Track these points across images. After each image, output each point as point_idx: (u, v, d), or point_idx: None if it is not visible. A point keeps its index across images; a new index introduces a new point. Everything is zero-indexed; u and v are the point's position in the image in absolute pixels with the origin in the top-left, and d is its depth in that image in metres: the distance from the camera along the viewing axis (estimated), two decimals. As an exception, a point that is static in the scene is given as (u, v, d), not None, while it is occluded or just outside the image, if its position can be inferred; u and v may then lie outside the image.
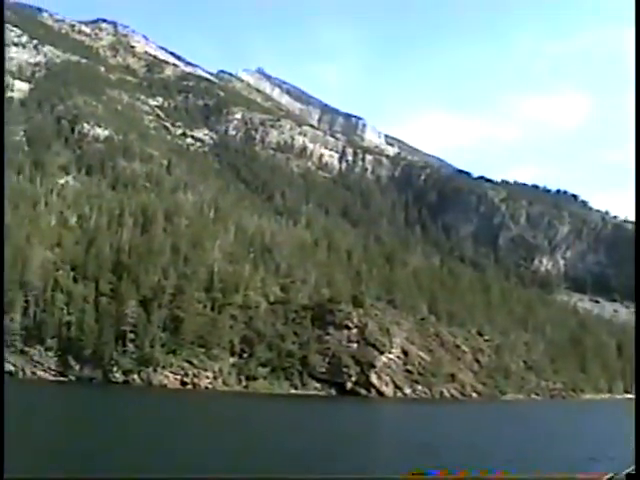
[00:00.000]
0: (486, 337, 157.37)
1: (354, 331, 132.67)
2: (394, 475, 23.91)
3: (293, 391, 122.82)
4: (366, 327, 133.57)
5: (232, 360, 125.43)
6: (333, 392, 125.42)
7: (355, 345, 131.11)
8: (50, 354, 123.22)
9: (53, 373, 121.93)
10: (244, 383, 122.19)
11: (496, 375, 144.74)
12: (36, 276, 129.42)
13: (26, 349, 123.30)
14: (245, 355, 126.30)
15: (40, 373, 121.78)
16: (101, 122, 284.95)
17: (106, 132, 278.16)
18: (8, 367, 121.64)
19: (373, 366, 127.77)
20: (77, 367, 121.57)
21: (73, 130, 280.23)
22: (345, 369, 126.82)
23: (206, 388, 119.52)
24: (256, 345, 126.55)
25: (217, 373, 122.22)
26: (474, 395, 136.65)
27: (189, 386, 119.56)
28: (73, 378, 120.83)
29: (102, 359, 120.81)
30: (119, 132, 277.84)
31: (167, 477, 20.17)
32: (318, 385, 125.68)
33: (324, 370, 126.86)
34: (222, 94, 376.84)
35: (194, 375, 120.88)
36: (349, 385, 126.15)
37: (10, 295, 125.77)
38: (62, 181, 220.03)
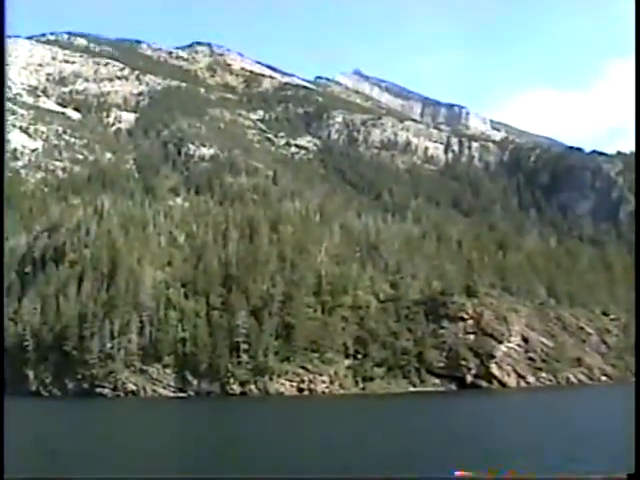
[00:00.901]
0: (612, 316, 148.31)
1: (470, 322, 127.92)
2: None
3: (411, 389, 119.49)
4: (482, 317, 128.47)
5: (347, 362, 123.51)
6: (453, 387, 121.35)
7: (472, 336, 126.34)
8: (168, 371, 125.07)
9: (172, 389, 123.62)
10: (361, 385, 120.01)
11: (626, 356, 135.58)
12: (149, 296, 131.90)
13: (145, 368, 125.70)
14: (360, 356, 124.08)
15: (160, 390, 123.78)
16: (205, 141, 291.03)
17: (211, 150, 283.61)
18: (130, 387, 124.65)
19: (493, 357, 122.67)
20: (195, 382, 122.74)
21: (179, 152, 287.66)
22: (463, 362, 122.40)
23: (323, 393, 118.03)
24: (370, 345, 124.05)
25: (333, 377, 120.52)
26: (603, 378, 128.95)
27: (306, 392, 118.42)
28: (192, 393, 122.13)
29: (218, 372, 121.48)
30: (224, 149, 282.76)
31: (169, 477, 18.76)
32: (437, 381, 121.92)
33: (442, 365, 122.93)
34: (321, 100, 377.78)
35: (310, 381, 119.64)
36: (469, 378, 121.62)
37: (126, 317, 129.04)
38: (172, 203, 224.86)
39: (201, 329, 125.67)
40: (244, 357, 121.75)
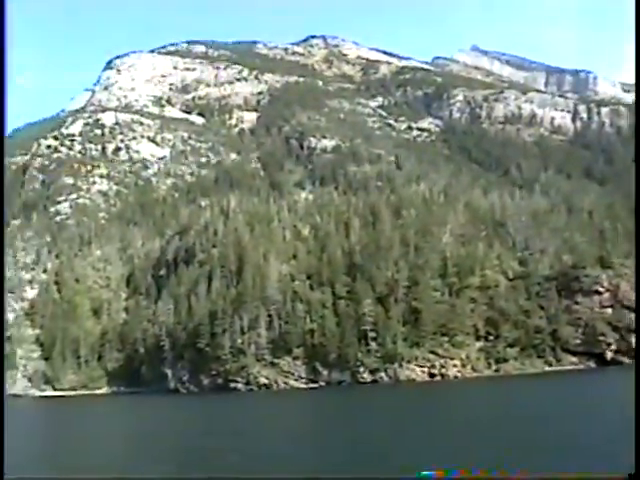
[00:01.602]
0: None
1: (606, 295, 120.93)
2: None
3: (547, 368, 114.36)
4: (618, 289, 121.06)
5: (478, 344, 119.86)
6: (592, 364, 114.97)
7: (609, 310, 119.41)
8: (298, 363, 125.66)
9: (304, 381, 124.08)
10: (494, 367, 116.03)
11: None
12: (276, 290, 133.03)
13: (275, 361, 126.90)
14: (491, 337, 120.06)
15: (292, 382, 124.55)
16: (326, 133, 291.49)
17: (333, 142, 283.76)
18: (262, 380, 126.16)
19: (633, 330, 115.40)
20: (325, 372, 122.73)
21: (302, 146, 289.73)
22: (602, 338, 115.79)
23: (455, 377, 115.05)
24: (501, 325, 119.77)
25: (464, 360, 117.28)
26: None
27: (437, 377, 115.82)
28: (323, 383, 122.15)
29: (348, 361, 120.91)
30: (345, 139, 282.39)
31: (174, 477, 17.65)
32: (574, 359, 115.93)
33: (578, 342, 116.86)
34: (440, 80, 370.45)
35: (441, 365, 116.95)
36: (609, 355, 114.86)
37: (254, 311, 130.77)
38: (298, 197, 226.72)
39: (328, 319, 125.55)
40: (373, 345, 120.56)
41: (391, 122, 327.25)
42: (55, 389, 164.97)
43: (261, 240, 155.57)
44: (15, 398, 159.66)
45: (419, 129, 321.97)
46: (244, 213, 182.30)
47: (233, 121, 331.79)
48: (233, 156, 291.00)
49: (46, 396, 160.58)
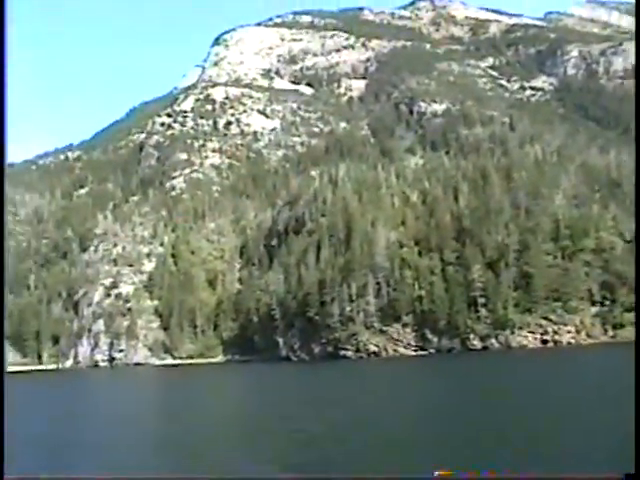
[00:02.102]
0: None
1: None
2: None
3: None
4: None
5: (593, 310, 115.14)
6: None
7: None
8: (407, 330, 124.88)
9: (413, 348, 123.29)
10: (610, 333, 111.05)
11: None
12: (384, 257, 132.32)
13: (384, 328, 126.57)
14: (607, 302, 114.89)
15: (401, 350, 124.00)
16: (436, 97, 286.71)
17: (443, 105, 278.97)
18: (371, 348, 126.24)
19: None
20: (434, 339, 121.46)
21: (412, 111, 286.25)
22: None
23: (569, 344, 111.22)
24: (618, 289, 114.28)
25: (579, 326, 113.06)
26: None
27: (550, 344, 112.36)
28: (432, 350, 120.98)
29: (457, 328, 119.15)
30: (455, 102, 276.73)
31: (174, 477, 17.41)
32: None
33: None
34: (553, 36, 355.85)
35: (554, 332, 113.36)
36: None
37: (362, 279, 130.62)
38: (409, 163, 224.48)
39: (437, 286, 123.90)
40: (483, 311, 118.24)
41: (503, 82, 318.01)
42: (174, 357, 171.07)
43: (369, 207, 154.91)
44: (137, 367, 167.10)
45: (532, 88, 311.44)
46: (352, 181, 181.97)
47: (342, 90, 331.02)
48: (343, 125, 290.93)
49: (165, 364, 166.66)
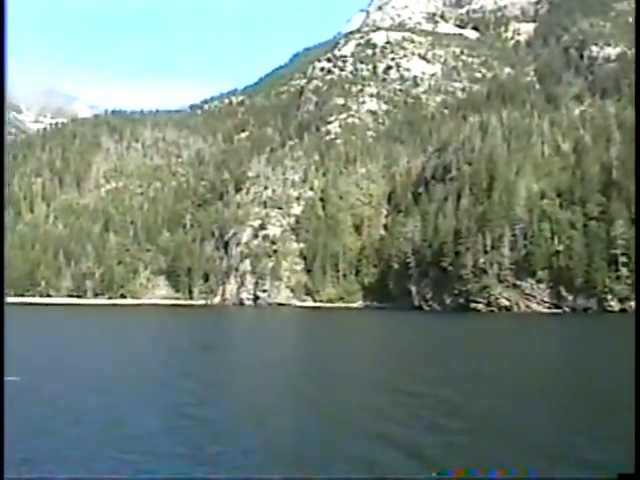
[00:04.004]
0: None
1: None
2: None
3: None
4: None
5: None
6: None
7: None
8: (542, 286, 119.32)
9: (547, 305, 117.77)
10: None
11: None
12: (523, 209, 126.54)
13: (518, 283, 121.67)
14: None
15: (534, 306, 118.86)
16: (610, 40, 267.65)
17: (617, 49, 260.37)
18: (503, 302, 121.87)
19: None
20: (570, 297, 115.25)
21: (582, 56, 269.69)
22: None
23: None
24: None
25: None
26: None
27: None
28: (567, 309, 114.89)
29: (595, 287, 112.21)
30: (631, 46, 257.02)
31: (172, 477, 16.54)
32: None
33: None
34: None
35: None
36: None
37: (498, 231, 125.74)
38: (575, 110, 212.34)
39: (577, 241, 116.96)
40: (623, 271, 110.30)
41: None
42: (314, 300, 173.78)
43: (516, 156, 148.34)
44: (278, 307, 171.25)
45: None
46: (504, 128, 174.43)
47: (509, 33, 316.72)
48: (507, 70, 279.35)
49: (306, 306, 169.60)
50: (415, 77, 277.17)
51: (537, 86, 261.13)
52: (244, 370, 42.37)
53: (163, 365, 44.10)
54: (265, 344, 63.99)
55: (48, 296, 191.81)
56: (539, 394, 31.08)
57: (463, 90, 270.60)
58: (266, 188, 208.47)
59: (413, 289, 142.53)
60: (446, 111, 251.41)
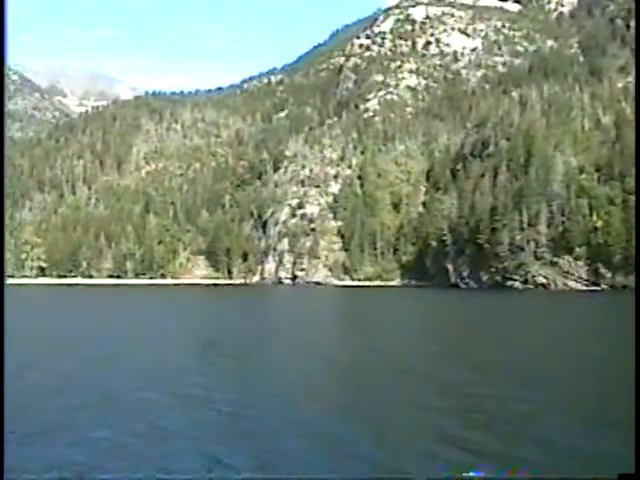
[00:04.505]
0: None
1: None
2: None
3: None
4: None
5: None
6: None
7: None
8: (579, 263, 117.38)
9: (584, 282, 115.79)
10: None
11: None
12: (560, 184, 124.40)
13: (555, 260, 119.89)
14: None
15: (571, 283, 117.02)
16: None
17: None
18: (540, 279, 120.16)
19: None
20: (608, 275, 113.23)
21: (628, 26, 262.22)
22: None
23: None
24: None
25: None
26: None
27: None
28: (605, 286, 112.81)
29: (633, 264, 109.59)
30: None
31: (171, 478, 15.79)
32: None
33: None
34: None
35: None
36: None
37: (535, 207, 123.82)
38: (620, 83, 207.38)
39: (615, 217, 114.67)
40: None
41: None
42: (352, 279, 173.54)
43: (555, 130, 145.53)
44: (316, 285, 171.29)
45: None
46: (543, 102, 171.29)
47: (552, 5, 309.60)
48: (550, 43, 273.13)
49: (343, 285, 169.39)
50: (455, 52, 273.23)
51: (581, 59, 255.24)
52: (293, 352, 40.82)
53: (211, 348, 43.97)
54: (309, 325, 62.87)
55: (90, 277, 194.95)
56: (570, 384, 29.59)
57: (504, 64, 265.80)
58: (304, 167, 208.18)
59: (450, 267, 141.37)
60: (487, 86, 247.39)
